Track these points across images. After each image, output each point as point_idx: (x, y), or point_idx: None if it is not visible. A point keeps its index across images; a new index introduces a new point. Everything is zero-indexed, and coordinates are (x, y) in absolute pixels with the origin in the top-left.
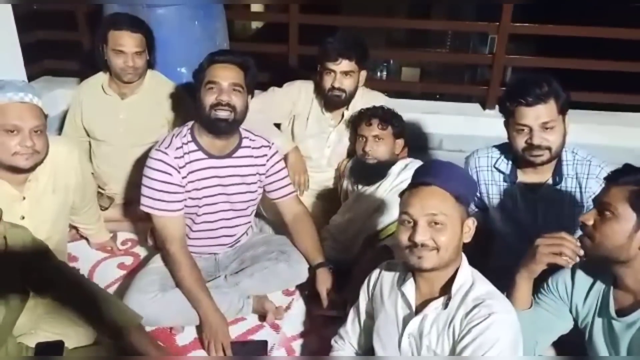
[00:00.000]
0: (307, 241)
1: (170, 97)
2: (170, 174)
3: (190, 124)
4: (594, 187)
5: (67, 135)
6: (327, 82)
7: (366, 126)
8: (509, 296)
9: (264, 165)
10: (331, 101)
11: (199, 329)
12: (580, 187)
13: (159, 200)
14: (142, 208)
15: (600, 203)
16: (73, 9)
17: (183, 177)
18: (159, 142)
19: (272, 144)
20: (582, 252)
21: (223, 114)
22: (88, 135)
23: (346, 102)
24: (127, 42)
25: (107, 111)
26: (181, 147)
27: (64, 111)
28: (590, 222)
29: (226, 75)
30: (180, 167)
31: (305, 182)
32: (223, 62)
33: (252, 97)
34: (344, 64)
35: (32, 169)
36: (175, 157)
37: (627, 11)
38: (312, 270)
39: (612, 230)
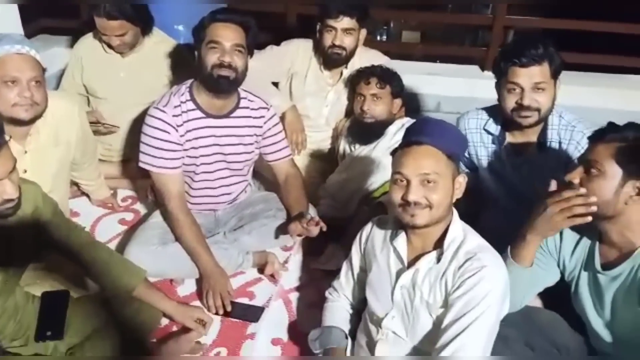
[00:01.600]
0: (293, 198)
1: (171, 56)
2: (168, 132)
3: (189, 82)
4: (574, 153)
5: (63, 90)
6: (328, 39)
7: (364, 85)
8: (515, 252)
9: (261, 127)
10: (331, 59)
11: (199, 281)
12: (562, 152)
13: (157, 157)
14: (141, 165)
15: (587, 161)
16: None
17: (181, 136)
18: (157, 100)
19: (270, 106)
20: (594, 199)
21: (225, 72)
22: (87, 92)
23: (346, 61)
24: (107, 27)
25: (107, 69)
26: (179, 105)
27: (61, 69)
28: (577, 181)
29: (228, 36)
30: (178, 126)
31: (303, 142)
32: (225, 21)
33: (251, 56)
34: (345, 21)
35: (32, 121)
36: (174, 115)
37: None
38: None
39: (599, 186)
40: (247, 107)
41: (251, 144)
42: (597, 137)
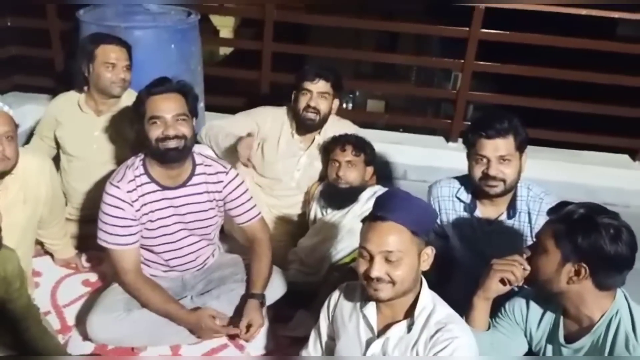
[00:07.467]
0: (255, 270)
1: None
2: (122, 209)
3: (142, 154)
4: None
5: (33, 146)
6: (303, 102)
7: (340, 151)
8: (467, 318)
9: (221, 191)
10: (304, 123)
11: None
12: (531, 223)
13: (113, 234)
14: (99, 242)
15: (536, 237)
16: (48, 27)
17: (137, 210)
18: (114, 174)
19: (230, 168)
20: (527, 274)
21: (172, 144)
22: (58, 148)
23: (319, 126)
24: (119, 55)
25: (81, 128)
26: (133, 179)
27: (31, 127)
28: (528, 255)
29: (169, 107)
30: (133, 201)
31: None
32: (162, 93)
33: (196, 118)
34: (321, 84)
35: (1, 176)
36: (128, 191)
37: (589, 55)
38: (246, 297)
39: (542, 264)
40: (204, 173)
41: (212, 209)
42: (548, 215)
